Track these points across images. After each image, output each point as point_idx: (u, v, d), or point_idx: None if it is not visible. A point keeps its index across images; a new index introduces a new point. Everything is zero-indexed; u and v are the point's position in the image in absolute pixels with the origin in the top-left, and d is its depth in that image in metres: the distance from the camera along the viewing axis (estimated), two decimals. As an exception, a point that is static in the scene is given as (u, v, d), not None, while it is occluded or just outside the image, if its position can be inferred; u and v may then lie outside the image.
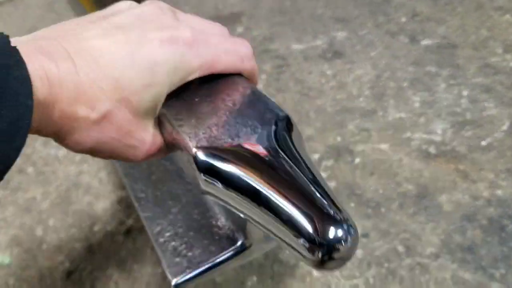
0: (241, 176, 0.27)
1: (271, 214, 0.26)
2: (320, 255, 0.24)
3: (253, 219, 0.27)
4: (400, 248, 0.50)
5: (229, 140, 0.29)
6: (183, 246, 0.40)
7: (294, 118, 0.67)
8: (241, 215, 0.28)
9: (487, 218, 0.52)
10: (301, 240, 0.24)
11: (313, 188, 0.26)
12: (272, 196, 0.26)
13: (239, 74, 0.35)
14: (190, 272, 0.38)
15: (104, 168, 0.62)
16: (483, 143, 0.59)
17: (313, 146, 0.62)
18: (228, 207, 0.29)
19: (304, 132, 0.64)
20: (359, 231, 0.52)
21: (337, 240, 0.24)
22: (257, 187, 0.26)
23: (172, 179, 0.48)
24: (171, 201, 0.45)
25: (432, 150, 0.59)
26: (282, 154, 0.28)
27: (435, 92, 0.67)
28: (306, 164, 0.28)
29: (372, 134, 0.63)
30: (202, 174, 0.28)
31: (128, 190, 0.48)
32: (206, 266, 0.39)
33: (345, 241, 0.24)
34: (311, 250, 0.24)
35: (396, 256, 0.50)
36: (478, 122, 0.62)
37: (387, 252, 0.50)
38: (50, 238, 0.56)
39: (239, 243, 0.39)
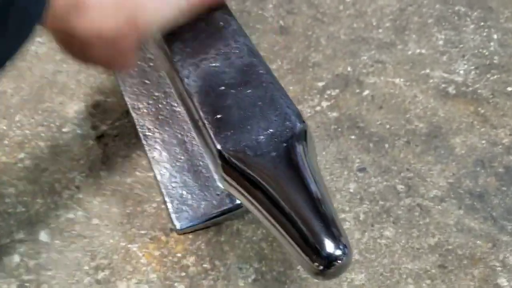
0: (259, 186, 0.30)
1: (282, 225, 0.29)
2: (320, 266, 0.27)
3: (263, 220, 0.31)
4: (400, 187, 0.44)
5: (251, 145, 0.32)
6: (189, 196, 0.43)
7: (303, 43, 0.60)
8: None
9: (505, 167, 0.45)
10: (307, 251, 0.28)
11: (321, 208, 0.29)
12: (285, 209, 0.29)
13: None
14: (193, 221, 0.42)
15: (84, 71, 0.56)
16: (509, 89, 0.52)
17: (319, 73, 0.55)
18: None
19: (311, 58, 0.57)
20: (357, 165, 0.46)
21: (335, 258, 0.27)
22: (273, 199, 0.30)
23: (179, 123, 0.47)
24: (178, 147, 0.46)
25: (451, 90, 0.52)
26: (297, 168, 0.31)
27: (461, 32, 0.59)
28: (316, 182, 0.30)
29: (387, 67, 0.55)
30: (224, 173, 0.32)
31: (135, 125, 0.47)
32: (208, 217, 0.42)
33: (341, 260, 0.27)
34: (313, 261, 0.28)
35: (395, 195, 0.44)
36: (506, 67, 0.54)
37: (384, 189, 0.44)
38: (13, 134, 0.50)
39: (238, 201, 0.41)
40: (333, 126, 0.49)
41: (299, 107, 0.51)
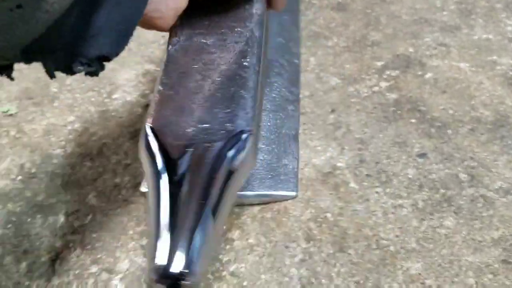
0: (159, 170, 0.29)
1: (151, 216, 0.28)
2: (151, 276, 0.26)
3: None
4: (463, 176, 0.41)
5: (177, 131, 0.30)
6: None
7: (361, 21, 0.58)
8: None
9: None
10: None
11: (175, 236, 0.27)
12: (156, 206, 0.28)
13: None
14: None
15: (135, 40, 0.55)
16: None
17: (378, 52, 0.52)
18: None
19: (370, 36, 0.55)
20: (417, 150, 0.43)
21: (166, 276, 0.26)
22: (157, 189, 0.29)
23: None
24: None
25: (522, 77, 0.49)
26: (197, 180, 0.29)
27: (536, 19, 0.55)
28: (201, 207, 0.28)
29: (452, 51, 0.52)
30: (143, 145, 0.31)
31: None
32: None
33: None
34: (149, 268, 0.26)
35: (457, 183, 0.41)
36: None
37: (445, 177, 0.41)
38: (64, 97, 0.50)
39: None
40: (392, 108, 0.47)
41: (356, 86, 0.48)
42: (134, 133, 0.46)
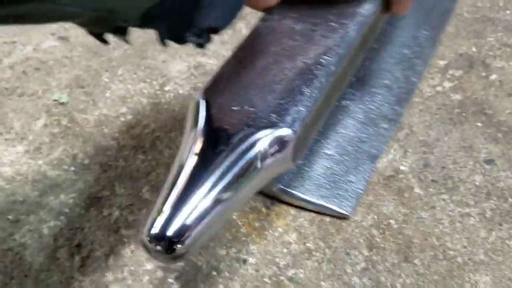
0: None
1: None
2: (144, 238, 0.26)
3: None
4: (535, 186, 0.39)
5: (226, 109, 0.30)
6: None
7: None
8: None
9: None
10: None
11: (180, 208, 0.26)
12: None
13: None
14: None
15: (187, 30, 0.54)
16: None
17: (441, 50, 0.50)
18: None
19: (429, 34, 0.52)
20: (484, 155, 0.41)
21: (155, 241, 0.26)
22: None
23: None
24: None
25: None
26: (217, 162, 0.28)
27: None
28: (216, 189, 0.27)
29: (518, 52, 0.49)
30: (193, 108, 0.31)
31: None
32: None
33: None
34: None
35: (528, 193, 0.38)
36: None
37: (516, 186, 0.39)
38: (116, 87, 0.49)
39: None
40: (457, 109, 0.44)
41: (418, 85, 0.46)
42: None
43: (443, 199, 0.38)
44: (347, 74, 0.37)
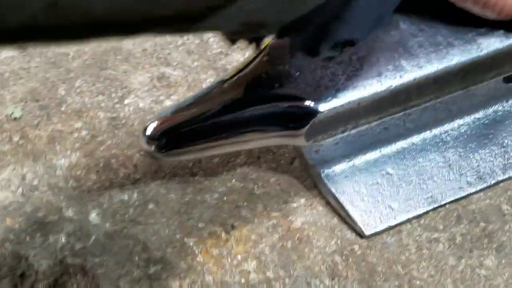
0: None
1: None
2: None
3: None
4: (506, 208, 0.37)
5: None
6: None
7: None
8: None
9: None
10: None
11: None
12: None
13: None
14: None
15: (151, 39, 0.52)
16: None
17: None
18: None
19: None
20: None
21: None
22: None
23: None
24: None
25: None
26: None
27: None
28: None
29: None
30: None
31: None
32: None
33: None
34: None
35: (499, 216, 0.37)
36: None
37: (487, 209, 0.37)
38: (72, 100, 0.46)
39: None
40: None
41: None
42: (145, 143, 0.42)
43: (410, 223, 0.36)
44: (433, 95, 0.34)
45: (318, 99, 0.28)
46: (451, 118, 0.39)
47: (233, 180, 0.40)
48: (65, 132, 0.44)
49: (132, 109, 0.45)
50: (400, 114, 0.36)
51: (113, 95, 0.47)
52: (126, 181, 0.40)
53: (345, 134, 0.35)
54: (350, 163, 0.38)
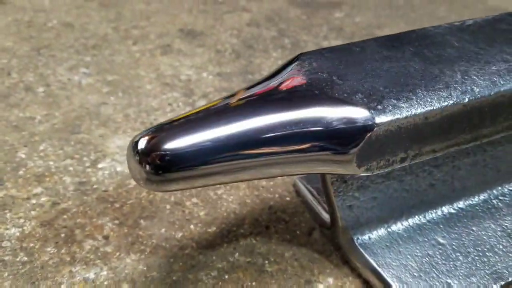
0: None
1: None
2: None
3: None
4: None
5: None
6: None
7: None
8: None
9: None
10: None
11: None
12: None
13: None
14: None
15: (135, 105, 0.45)
16: None
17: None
18: None
19: None
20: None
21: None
22: None
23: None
24: None
25: None
26: None
27: None
28: None
29: None
30: None
31: None
32: None
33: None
34: None
35: None
36: None
37: None
38: (33, 164, 0.38)
39: None
40: None
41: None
42: (120, 210, 0.33)
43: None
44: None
45: (374, 109, 0.21)
46: (500, 181, 0.33)
47: (236, 254, 0.30)
48: (19, 198, 0.34)
49: (108, 173, 0.37)
50: (450, 166, 0.29)
51: (85, 159, 0.38)
52: (93, 255, 0.30)
53: (385, 184, 0.27)
54: (390, 229, 0.30)
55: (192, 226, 0.32)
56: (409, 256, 0.29)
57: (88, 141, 0.40)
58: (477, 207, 0.32)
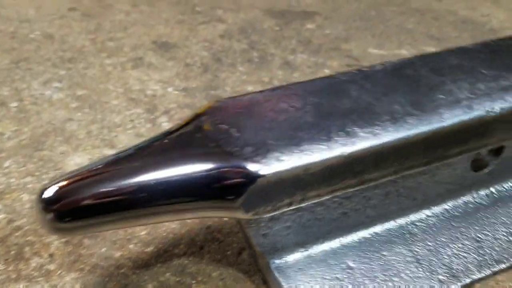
0: None
1: None
2: None
3: None
4: None
5: None
6: None
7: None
8: None
9: None
10: None
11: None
12: None
13: None
14: None
15: (99, 121, 0.48)
16: None
17: None
18: None
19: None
20: None
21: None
22: None
23: None
24: None
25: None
26: None
27: None
28: None
29: None
30: None
31: None
32: None
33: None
34: None
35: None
36: None
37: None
38: (-4, 181, 0.41)
39: None
40: None
41: None
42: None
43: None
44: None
45: (258, 162, 0.24)
46: (417, 207, 0.35)
47: (167, 274, 0.33)
48: (-21, 214, 0.38)
49: (63, 191, 0.40)
50: (360, 197, 0.32)
51: (44, 176, 0.41)
52: (37, 272, 0.33)
53: (297, 214, 0.30)
54: (306, 253, 0.32)
55: (131, 246, 0.35)
56: (318, 279, 0.31)
57: (49, 158, 0.44)
58: (391, 232, 0.34)
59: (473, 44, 0.34)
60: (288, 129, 0.26)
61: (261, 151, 0.24)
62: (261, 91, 0.30)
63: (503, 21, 0.74)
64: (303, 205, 0.27)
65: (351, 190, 0.28)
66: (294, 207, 0.27)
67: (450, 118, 0.28)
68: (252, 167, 0.24)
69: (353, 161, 0.26)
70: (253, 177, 0.24)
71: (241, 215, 0.25)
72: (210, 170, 0.24)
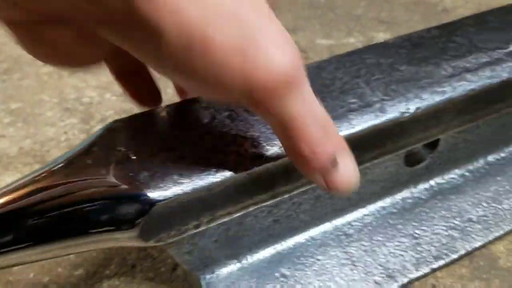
0: None
1: None
2: None
3: None
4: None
5: None
6: None
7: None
8: None
9: None
10: None
11: None
12: None
13: None
14: None
15: (32, 137, 0.46)
16: None
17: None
18: None
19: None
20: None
21: None
22: None
23: None
24: None
25: None
26: None
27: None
28: None
29: None
30: None
31: None
32: None
33: None
34: None
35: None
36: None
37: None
38: None
39: None
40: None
41: None
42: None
43: None
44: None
45: (154, 188, 0.23)
46: (352, 207, 0.34)
47: (96, 297, 0.32)
48: None
49: (-10, 215, 0.38)
50: (290, 203, 0.31)
51: (-29, 200, 0.39)
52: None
53: (223, 228, 0.29)
54: (238, 265, 0.31)
55: (60, 269, 0.34)
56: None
57: (-23, 179, 0.42)
58: (327, 235, 0.34)
59: (394, 38, 0.33)
60: (189, 150, 0.25)
61: (158, 175, 0.23)
62: (167, 105, 0.29)
63: (455, 0, 0.74)
64: (212, 225, 0.26)
65: (266, 204, 0.27)
66: (202, 229, 0.25)
67: (359, 124, 0.27)
68: (146, 193, 0.22)
69: (259, 177, 0.25)
70: (149, 204, 0.22)
71: (141, 244, 0.24)
72: (101, 200, 0.23)
